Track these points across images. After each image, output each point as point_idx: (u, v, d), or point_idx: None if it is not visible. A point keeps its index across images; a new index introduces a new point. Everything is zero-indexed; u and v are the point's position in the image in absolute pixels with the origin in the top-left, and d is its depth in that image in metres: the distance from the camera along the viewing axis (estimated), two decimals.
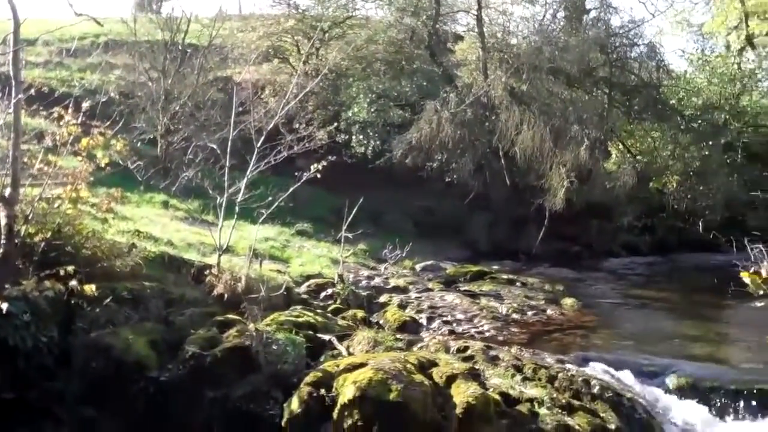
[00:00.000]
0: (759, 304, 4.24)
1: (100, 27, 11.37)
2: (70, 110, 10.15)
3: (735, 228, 15.04)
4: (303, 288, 13.25)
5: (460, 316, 12.65)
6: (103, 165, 10.57)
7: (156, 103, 21.56)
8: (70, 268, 9.36)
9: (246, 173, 12.45)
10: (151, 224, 14.58)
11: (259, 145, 12.51)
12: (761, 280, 4.28)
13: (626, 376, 9.56)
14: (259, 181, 13.79)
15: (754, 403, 8.86)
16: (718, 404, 8.96)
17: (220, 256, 11.85)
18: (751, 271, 4.34)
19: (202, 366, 9.15)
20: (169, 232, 14.33)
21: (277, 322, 10.23)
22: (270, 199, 12.52)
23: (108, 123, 10.84)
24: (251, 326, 9.49)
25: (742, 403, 8.88)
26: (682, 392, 9.29)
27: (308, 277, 13.86)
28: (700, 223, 20.32)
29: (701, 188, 25.52)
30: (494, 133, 22.97)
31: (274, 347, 9.32)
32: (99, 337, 9.47)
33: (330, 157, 13.10)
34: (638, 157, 26.53)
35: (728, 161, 27.24)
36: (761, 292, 4.27)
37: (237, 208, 12.44)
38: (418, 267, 17.33)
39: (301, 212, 19.65)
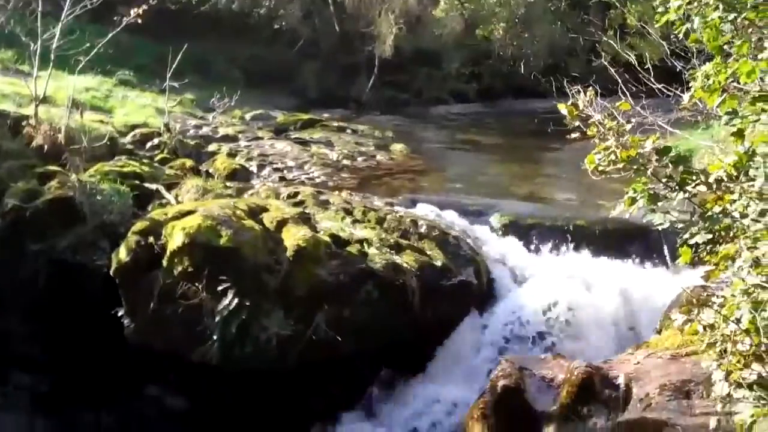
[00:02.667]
0: (574, 136, 4.44)
1: None
2: None
3: (557, 74, 15.51)
4: (128, 138, 12.78)
5: (290, 164, 12.66)
6: None
7: None
8: None
9: (61, 19, 11.78)
10: None
11: None
12: (576, 112, 4.46)
13: (452, 216, 9.89)
14: (77, 29, 13.11)
15: (568, 237, 9.40)
16: (536, 240, 9.45)
17: (37, 106, 11.30)
18: (569, 104, 4.51)
19: (24, 219, 8.94)
20: None
21: (101, 173, 9.97)
22: (88, 45, 11.93)
23: None
24: (73, 177, 9.24)
25: (557, 239, 9.39)
26: (504, 230, 9.72)
27: (133, 127, 13.37)
28: (522, 66, 20.84)
29: (526, 35, 25.94)
30: None
31: (99, 197, 9.13)
32: None
33: (151, 1, 12.51)
34: (466, 5, 26.60)
35: (552, 9, 27.74)
36: (576, 124, 4.45)
37: (53, 56, 11.80)
38: (247, 116, 17.03)
39: (124, 61, 18.79)
